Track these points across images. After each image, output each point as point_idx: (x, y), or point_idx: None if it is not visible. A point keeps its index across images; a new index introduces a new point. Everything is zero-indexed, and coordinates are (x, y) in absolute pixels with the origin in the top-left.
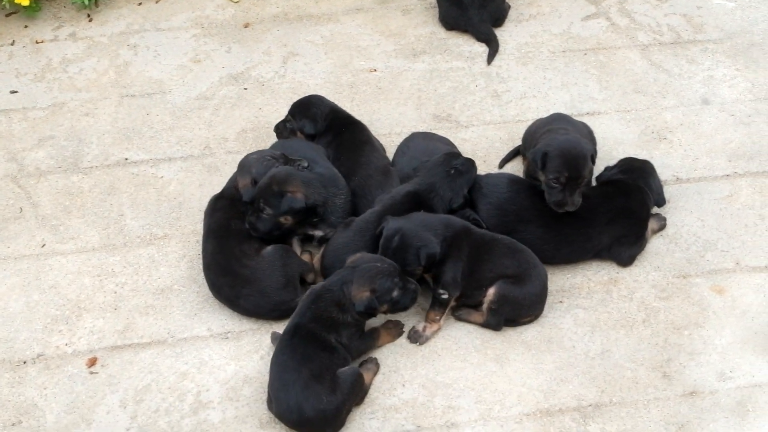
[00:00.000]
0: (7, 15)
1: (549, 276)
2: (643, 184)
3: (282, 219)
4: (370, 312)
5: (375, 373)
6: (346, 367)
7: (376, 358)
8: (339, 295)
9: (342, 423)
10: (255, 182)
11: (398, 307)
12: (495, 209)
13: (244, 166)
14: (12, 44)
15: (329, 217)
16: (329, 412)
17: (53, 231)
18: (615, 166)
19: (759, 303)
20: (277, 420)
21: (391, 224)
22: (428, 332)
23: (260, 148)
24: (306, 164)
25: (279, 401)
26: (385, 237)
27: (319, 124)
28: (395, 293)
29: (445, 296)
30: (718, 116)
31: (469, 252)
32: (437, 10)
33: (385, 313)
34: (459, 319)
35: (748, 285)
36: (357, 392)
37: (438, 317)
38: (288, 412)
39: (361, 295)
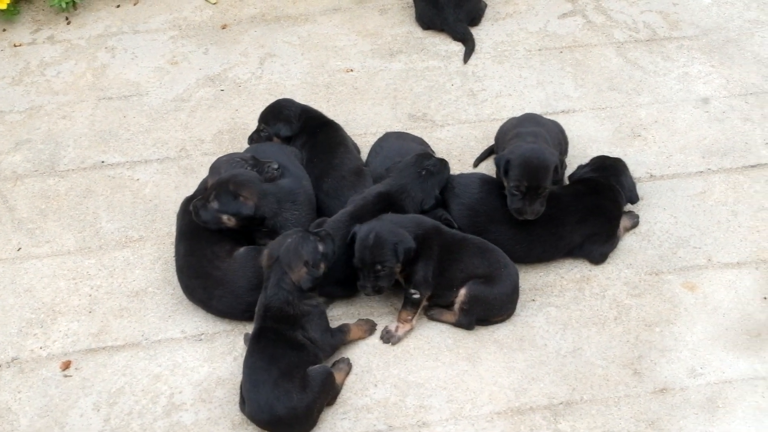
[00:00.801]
0: None
1: (521, 274)
2: (615, 182)
3: (225, 218)
4: (318, 282)
5: (347, 373)
6: (317, 365)
7: (348, 359)
8: (284, 294)
9: (314, 422)
10: None
11: (330, 256)
12: (467, 209)
13: (214, 168)
14: None
15: (279, 231)
16: (300, 410)
17: (29, 234)
18: (587, 164)
19: (730, 299)
20: (249, 421)
21: (363, 227)
22: (400, 332)
23: (236, 150)
24: (276, 166)
25: (250, 401)
26: (359, 238)
27: (294, 125)
28: (321, 247)
29: (417, 296)
30: (693, 113)
31: (439, 252)
32: (414, 9)
33: (326, 271)
34: (431, 318)
35: (720, 281)
36: (328, 391)
37: (410, 317)
38: (259, 411)
39: (299, 275)
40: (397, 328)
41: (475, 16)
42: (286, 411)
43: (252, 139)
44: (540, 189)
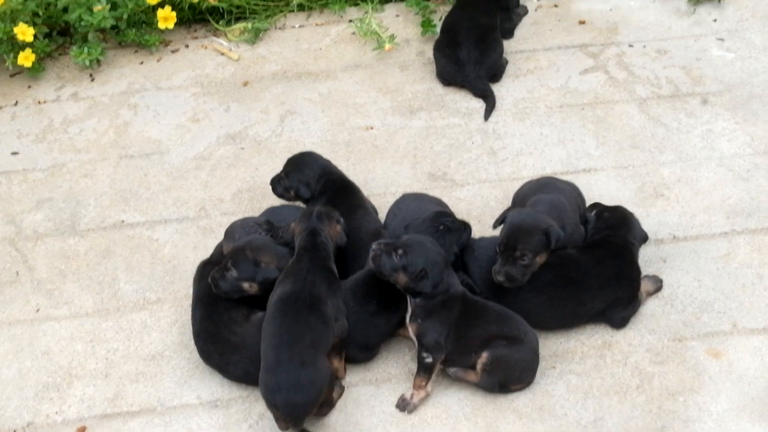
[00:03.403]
0: (11, 75)
1: (542, 340)
2: (631, 238)
3: (246, 285)
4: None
5: (339, 396)
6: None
7: (340, 381)
8: (321, 241)
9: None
10: None
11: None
12: (487, 273)
13: (229, 232)
14: (15, 105)
15: None
16: (315, 386)
17: (48, 295)
18: (598, 218)
19: (756, 367)
20: None
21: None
22: (416, 399)
23: (255, 210)
24: None
25: (277, 368)
26: (419, 236)
27: (312, 187)
28: (341, 218)
29: (429, 360)
30: (717, 171)
31: (459, 316)
32: (435, 66)
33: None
34: (454, 376)
35: (745, 348)
36: (331, 387)
37: (424, 383)
38: (280, 378)
39: (335, 231)
40: (412, 395)
41: (496, 72)
42: (308, 381)
43: (273, 183)
44: (515, 251)
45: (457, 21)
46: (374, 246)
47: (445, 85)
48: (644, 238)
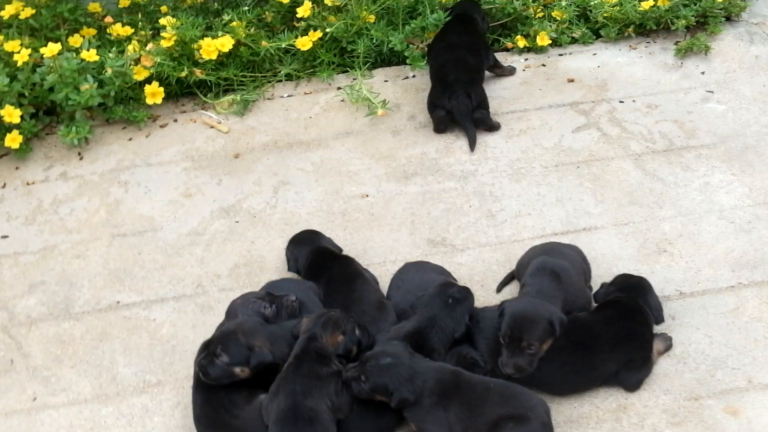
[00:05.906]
0: None
1: (555, 406)
2: (642, 302)
3: (238, 370)
4: (348, 353)
5: None
6: None
7: None
8: (318, 347)
9: None
10: None
11: (365, 342)
12: (494, 344)
13: (230, 312)
14: (3, 187)
15: None
16: None
17: (44, 383)
18: (611, 283)
19: None
20: None
21: (388, 347)
22: None
23: (254, 284)
24: (293, 298)
25: None
26: (379, 351)
27: (300, 262)
28: (357, 332)
29: None
30: (718, 224)
31: (458, 407)
32: (427, 130)
33: (356, 357)
34: None
35: (763, 404)
36: None
37: None
38: None
39: (334, 341)
40: None
41: (481, 101)
42: None
43: None
44: (522, 342)
45: (447, 59)
46: (344, 374)
47: (435, 122)
48: (659, 316)
